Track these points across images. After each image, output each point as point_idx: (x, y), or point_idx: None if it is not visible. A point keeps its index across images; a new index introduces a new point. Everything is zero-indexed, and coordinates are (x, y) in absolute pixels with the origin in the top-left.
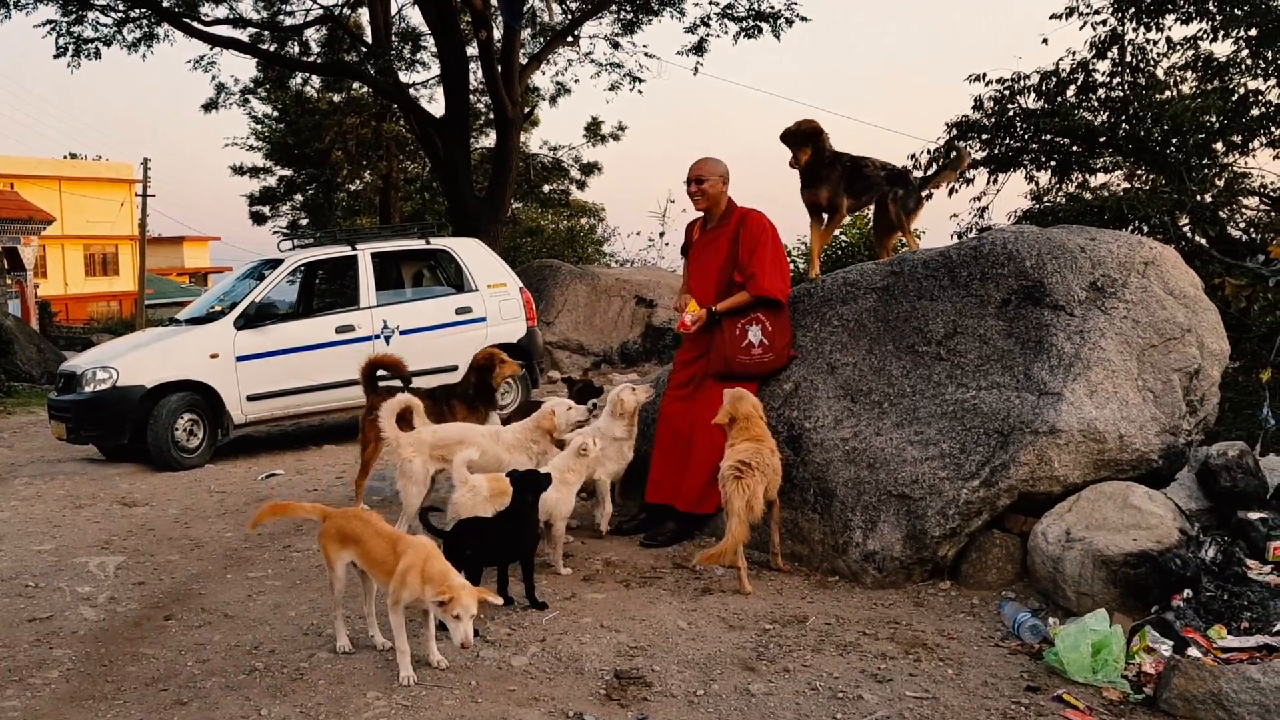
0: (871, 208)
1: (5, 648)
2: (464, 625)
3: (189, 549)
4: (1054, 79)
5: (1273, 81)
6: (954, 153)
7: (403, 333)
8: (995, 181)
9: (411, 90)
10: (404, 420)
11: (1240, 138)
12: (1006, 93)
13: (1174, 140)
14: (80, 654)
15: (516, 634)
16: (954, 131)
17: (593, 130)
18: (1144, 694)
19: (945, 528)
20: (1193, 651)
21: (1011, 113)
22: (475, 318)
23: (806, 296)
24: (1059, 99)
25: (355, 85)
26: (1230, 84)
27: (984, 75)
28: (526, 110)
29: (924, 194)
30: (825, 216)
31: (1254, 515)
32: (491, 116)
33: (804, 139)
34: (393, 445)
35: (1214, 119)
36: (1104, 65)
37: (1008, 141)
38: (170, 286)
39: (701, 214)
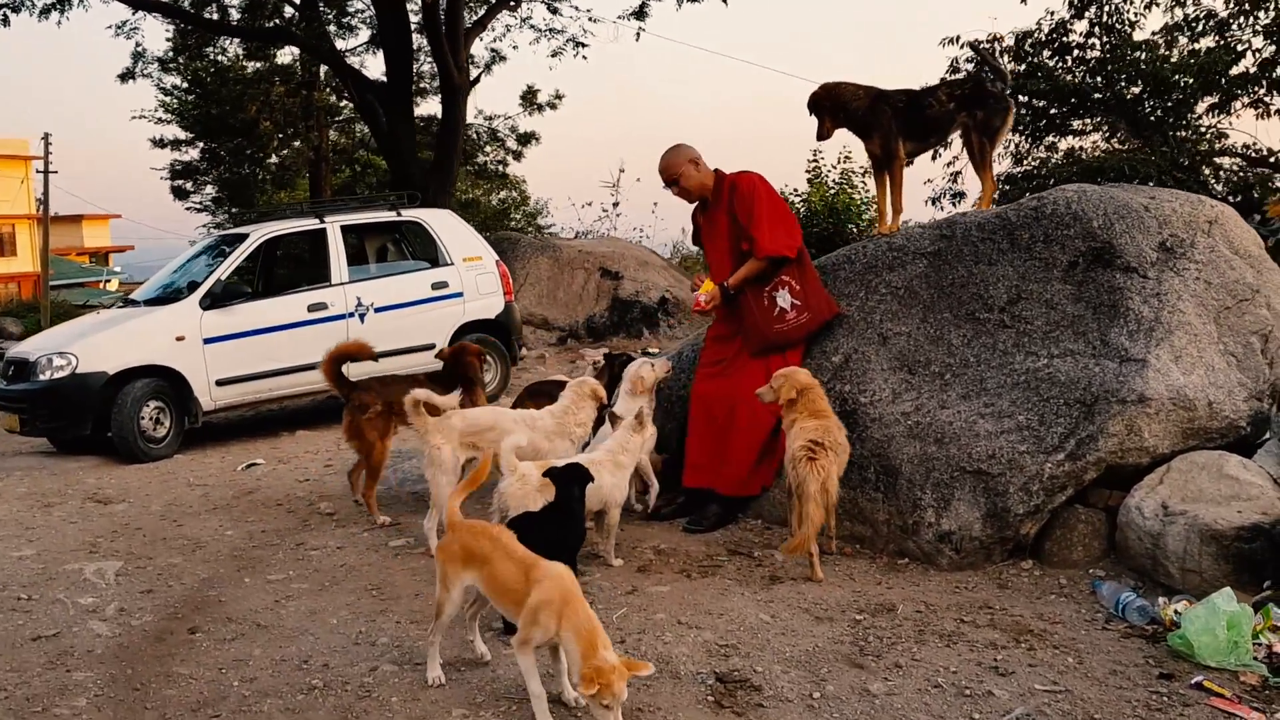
0: (961, 141)
1: (15, 673)
2: (615, 713)
3: (190, 550)
4: (1030, 40)
5: (1259, 40)
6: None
7: (377, 310)
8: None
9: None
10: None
11: (1220, 98)
12: (979, 56)
13: (1150, 101)
14: (104, 676)
15: None
16: None
17: (529, 99)
18: None
19: (1029, 505)
20: None
21: (986, 76)
22: (452, 293)
23: (848, 264)
24: (1036, 60)
25: (280, 51)
26: (1229, 41)
27: (958, 38)
28: (473, 77)
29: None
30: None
31: None
32: (427, 84)
33: (819, 108)
34: (420, 433)
35: (1191, 79)
36: (1081, 25)
37: None
38: (70, 267)
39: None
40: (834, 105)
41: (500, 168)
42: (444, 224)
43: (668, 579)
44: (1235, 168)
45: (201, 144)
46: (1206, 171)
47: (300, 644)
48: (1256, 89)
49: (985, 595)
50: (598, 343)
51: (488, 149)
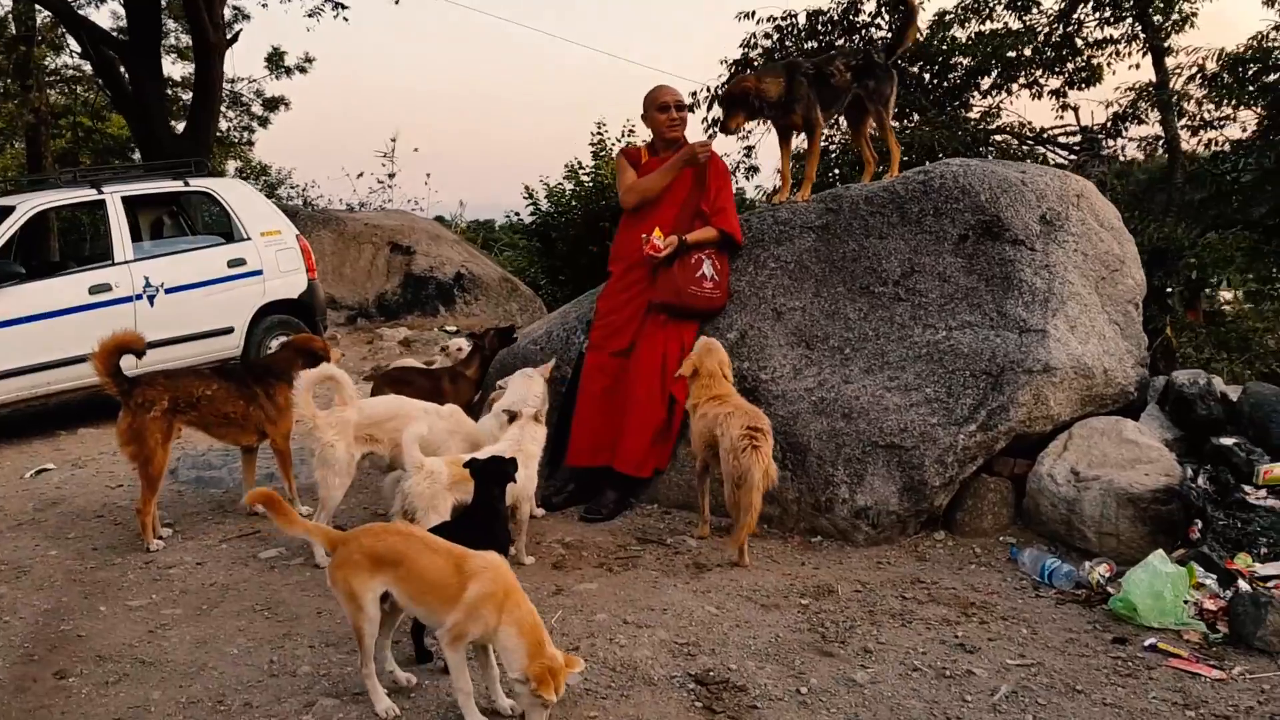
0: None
1: None
2: (549, 711)
3: (13, 576)
4: (823, 18)
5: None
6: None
7: (168, 291)
8: (764, 121)
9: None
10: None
11: (999, 78)
12: (777, 33)
13: (933, 80)
14: None
15: None
16: (734, 69)
17: (275, 61)
18: (1221, 632)
19: (944, 476)
20: (1242, 584)
21: (789, 51)
22: (250, 271)
23: None
24: (828, 39)
25: None
26: (1027, 23)
27: (753, 14)
28: (230, 36)
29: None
30: (795, 134)
31: (1228, 441)
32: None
33: (735, 104)
34: (309, 426)
35: (969, 60)
36: (870, 5)
37: None
38: None
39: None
40: (757, 99)
41: (245, 134)
42: (238, 195)
43: (590, 575)
44: (1006, 145)
45: None
46: (983, 150)
47: (205, 681)
48: (1033, 70)
49: (910, 569)
50: (391, 321)
51: (229, 114)
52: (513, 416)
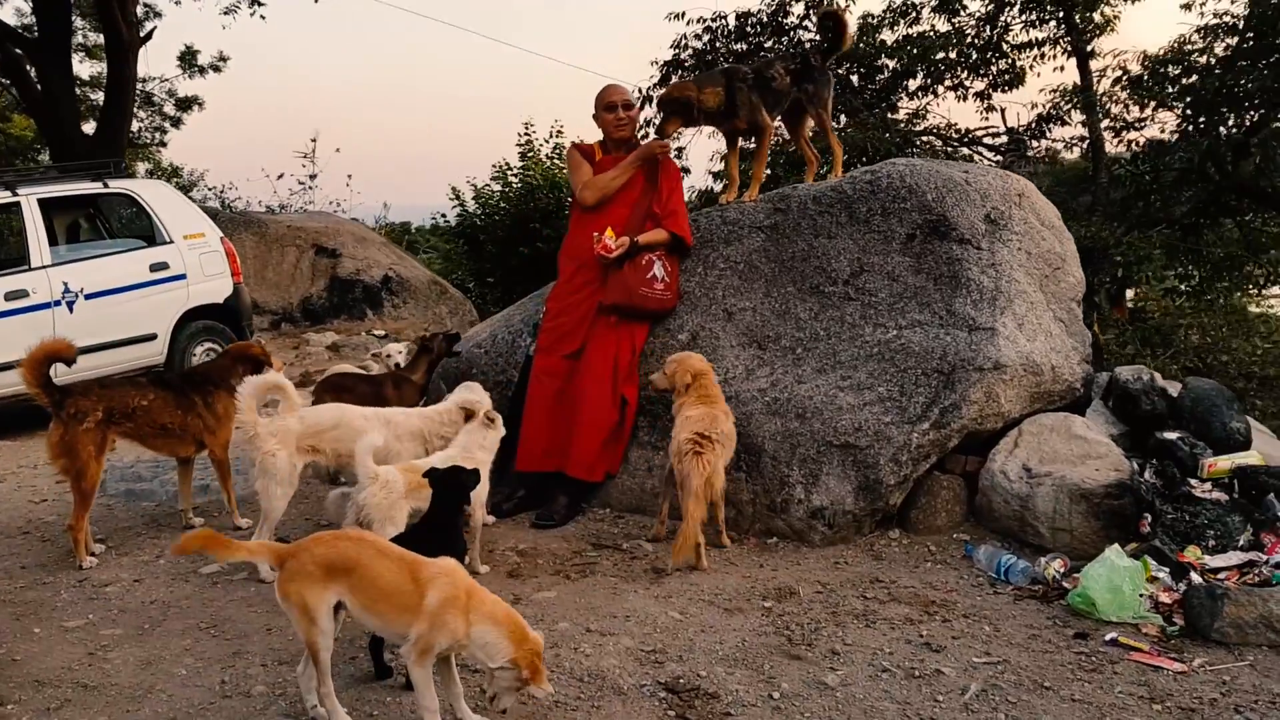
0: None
1: None
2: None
3: None
4: (751, 20)
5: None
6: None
7: (88, 296)
8: (700, 128)
9: None
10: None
11: (925, 80)
12: (707, 35)
13: (861, 83)
14: None
15: None
16: (665, 70)
17: (188, 60)
18: (1177, 625)
19: (899, 475)
20: (1195, 577)
21: (720, 52)
22: (173, 275)
23: None
24: (757, 41)
25: None
26: (956, 25)
27: (683, 14)
28: (144, 34)
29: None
30: (741, 139)
31: (1171, 435)
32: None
33: (668, 109)
34: (249, 434)
35: (895, 62)
36: (799, 8)
37: None
38: None
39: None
40: (696, 108)
41: (157, 135)
42: (159, 196)
43: (547, 582)
44: (932, 146)
45: None
46: (910, 151)
47: (153, 705)
48: (959, 73)
49: (868, 569)
50: (317, 326)
51: (140, 114)
52: (469, 415)
